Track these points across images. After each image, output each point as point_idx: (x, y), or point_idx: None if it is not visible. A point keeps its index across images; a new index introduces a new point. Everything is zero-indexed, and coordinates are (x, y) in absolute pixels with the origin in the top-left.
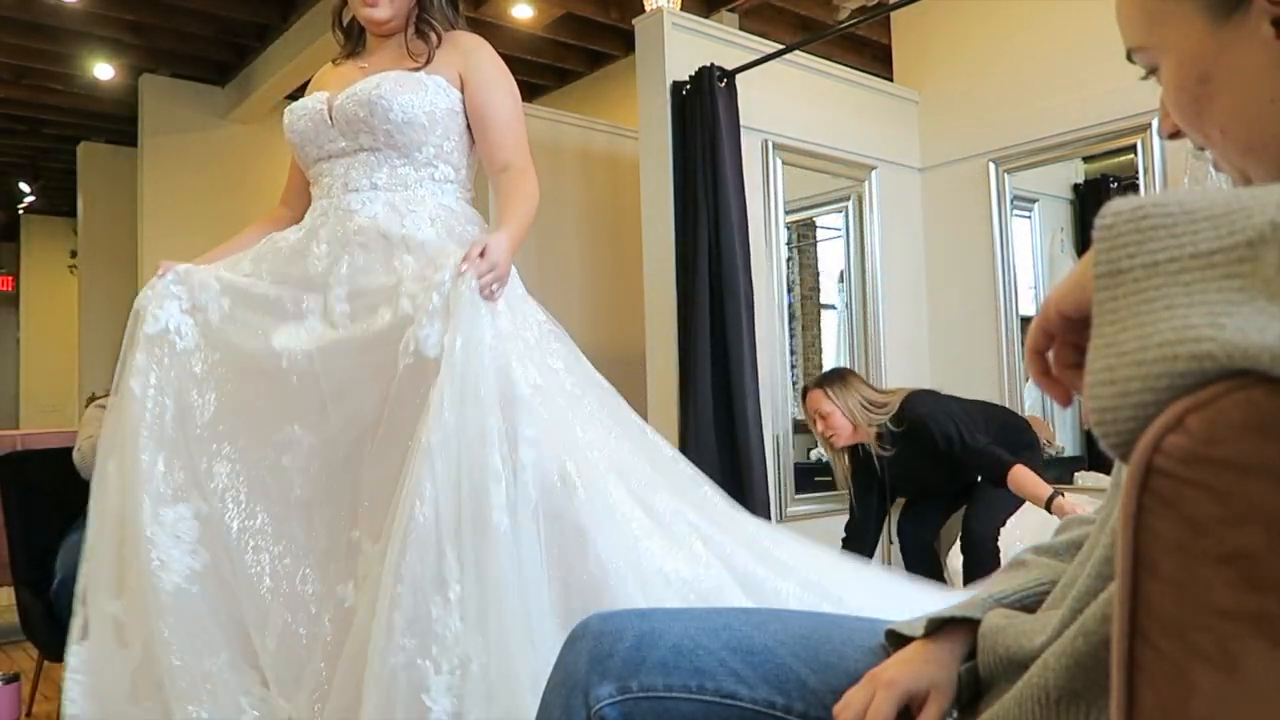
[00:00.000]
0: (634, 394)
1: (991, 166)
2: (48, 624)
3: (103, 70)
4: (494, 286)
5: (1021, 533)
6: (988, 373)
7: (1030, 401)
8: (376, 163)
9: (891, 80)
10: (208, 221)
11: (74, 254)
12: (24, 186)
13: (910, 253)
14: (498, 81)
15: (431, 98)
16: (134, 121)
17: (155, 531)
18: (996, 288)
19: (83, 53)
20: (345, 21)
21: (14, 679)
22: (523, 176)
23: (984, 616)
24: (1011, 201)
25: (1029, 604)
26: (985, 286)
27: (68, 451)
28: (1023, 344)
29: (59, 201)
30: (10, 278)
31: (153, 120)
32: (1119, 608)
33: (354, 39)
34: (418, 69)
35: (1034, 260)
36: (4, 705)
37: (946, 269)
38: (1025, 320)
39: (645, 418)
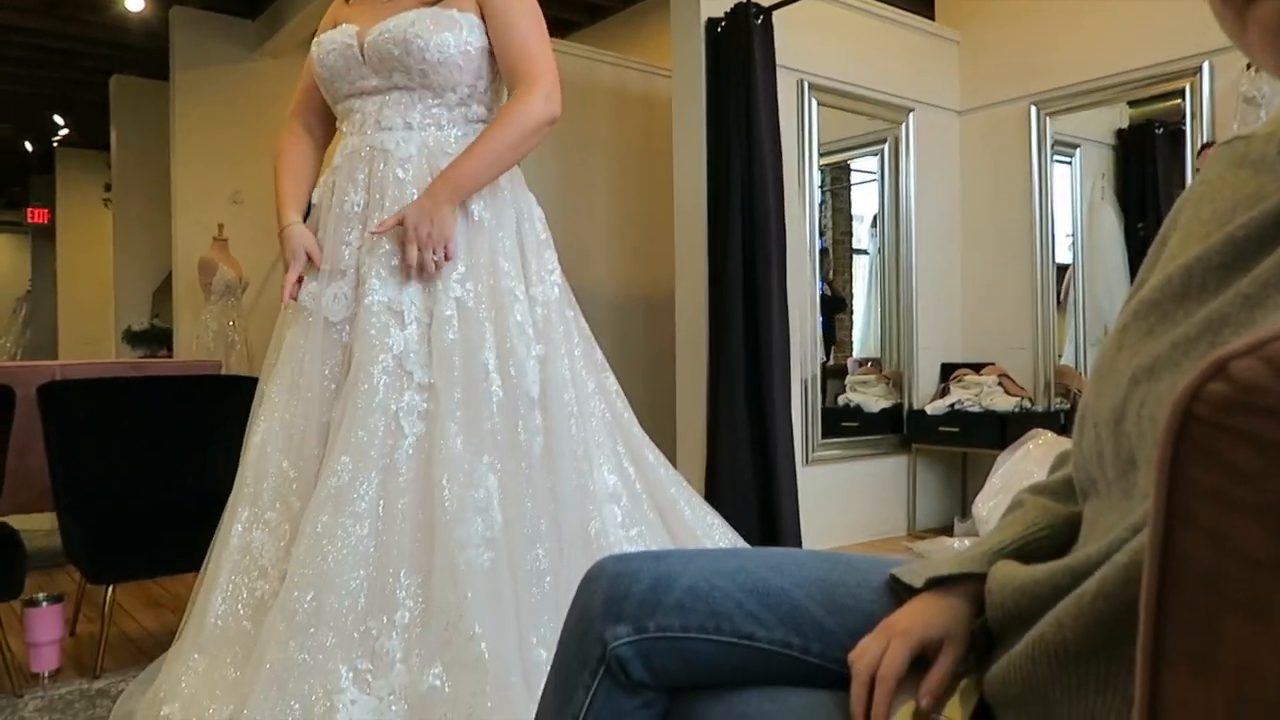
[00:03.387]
0: (662, 334)
1: (1033, 110)
2: (89, 548)
3: (133, 2)
4: (432, 258)
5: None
6: (1021, 320)
7: (1065, 352)
8: (410, 101)
9: (933, 19)
10: (238, 154)
11: (108, 187)
12: (58, 119)
13: (946, 198)
14: (514, 5)
15: (466, 36)
16: (165, 54)
17: None
18: (1032, 235)
19: None
20: None
21: (58, 599)
22: (524, 95)
23: (989, 570)
24: (1052, 147)
25: (1029, 550)
26: (1021, 233)
27: (105, 382)
28: (1058, 293)
29: (93, 134)
30: (46, 210)
31: (183, 53)
32: (1150, 556)
33: None
34: (438, 1)
35: (1073, 208)
36: (49, 624)
37: (982, 215)
38: (1061, 269)
39: (674, 357)
